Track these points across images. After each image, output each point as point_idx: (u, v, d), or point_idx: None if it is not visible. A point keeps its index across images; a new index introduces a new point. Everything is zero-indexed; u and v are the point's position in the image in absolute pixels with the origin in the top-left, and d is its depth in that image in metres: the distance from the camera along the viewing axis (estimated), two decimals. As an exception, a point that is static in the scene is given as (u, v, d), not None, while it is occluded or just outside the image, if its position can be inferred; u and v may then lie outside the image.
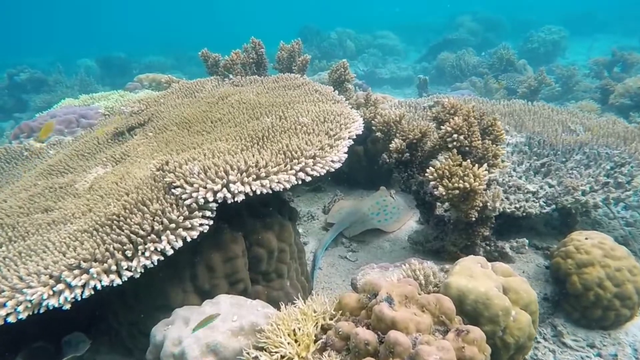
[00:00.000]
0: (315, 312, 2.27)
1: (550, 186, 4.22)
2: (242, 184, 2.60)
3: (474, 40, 17.73)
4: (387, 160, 4.07)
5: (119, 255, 2.37)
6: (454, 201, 3.19)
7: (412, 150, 3.86)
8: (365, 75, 15.61)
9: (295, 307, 2.39)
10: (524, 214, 3.86)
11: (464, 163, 3.09)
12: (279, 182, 2.69)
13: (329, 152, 3.02)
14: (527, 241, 3.80)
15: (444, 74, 14.07)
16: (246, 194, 2.62)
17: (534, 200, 4.03)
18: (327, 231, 4.65)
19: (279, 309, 2.87)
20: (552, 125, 5.05)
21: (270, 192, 2.66)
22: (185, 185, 2.58)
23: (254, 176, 2.64)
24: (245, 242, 2.98)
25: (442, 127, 3.40)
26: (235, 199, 2.57)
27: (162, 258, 2.43)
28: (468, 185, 2.97)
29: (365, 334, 2.00)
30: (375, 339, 2.01)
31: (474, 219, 3.38)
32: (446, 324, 2.17)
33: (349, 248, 4.45)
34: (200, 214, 2.55)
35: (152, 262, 2.39)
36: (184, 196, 2.54)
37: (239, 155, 2.85)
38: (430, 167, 3.23)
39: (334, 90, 4.34)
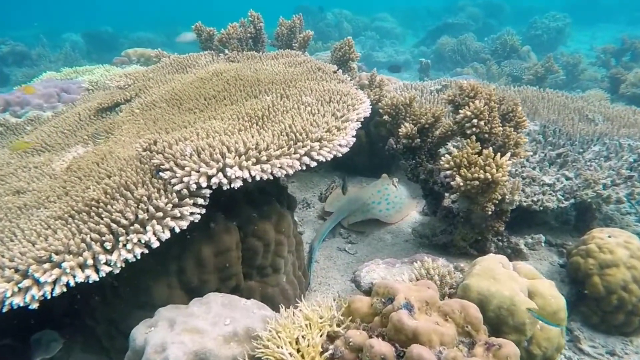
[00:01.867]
0: (321, 318, 1.98)
1: (568, 178, 3.95)
2: (241, 168, 2.28)
3: (474, 25, 17.33)
4: (395, 146, 3.77)
5: (96, 248, 2.06)
6: (471, 193, 2.90)
7: (423, 136, 3.56)
8: (362, 58, 15.15)
9: (297, 309, 2.10)
10: (541, 208, 3.59)
11: (485, 151, 2.80)
12: (281, 167, 2.38)
13: (336, 135, 2.71)
14: (543, 238, 3.53)
15: (444, 59, 13.71)
16: (244, 180, 2.30)
17: (550, 194, 3.76)
18: (324, 220, 4.36)
19: (274, 308, 2.60)
20: (567, 114, 4.76)
21: (271, 178, 2.35)
22: (175, 169, 2.25)
23: (254, 160, 2.32)
24: (240, 232, 2.67)
25: (460, 110, 3.10)
26: (232, 185, 2.26)
27: (146, 251, 2.11)
28: (489, 176, 2.68)
29: (382, 347, 1.71)
30: (393, 353, 1.72)
31: (490, 212, 3.11)
32: (472, 335, 1.89)
33: (347, 239, 4.16)
34: (192, 201, 2.23)
35: (135, 256, 2.08)
36: (173, 181, 2.22)
37: (236, 136, 2.53)
38: (446, 155, 2.93)
39: (338, 69, 4.01)
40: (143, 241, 2.10)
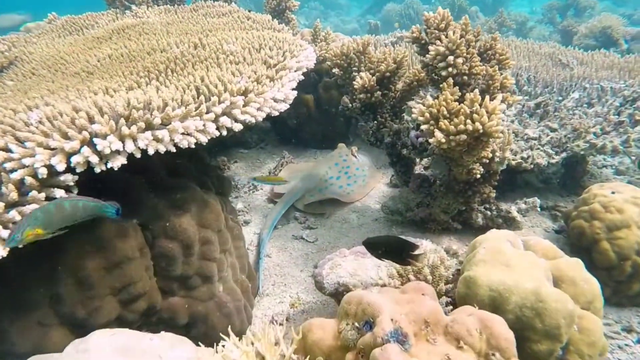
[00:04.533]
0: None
1: (553, 130, 3.34)
2: (121, 138, 1.48)
3: (419, -11, 16.71)
4: (349, 105, 3.03)
5: None
6: (455, 152, 2.20)
7: (383, 88, 2.83)
8: (307, 29, 14.33)
9: (227, 346, 1.35)
10: (532, 165, 2.96)
11: (469, 95, 2.10)
12: (187, 134, 1.60)
13: (268, 87, 1.94)
14: (539, 201, 2.91)
15: (392, 26, 13.02)
16: (131, 156, 1.51)
17: (538, 149, 3.14)
18: (274, 204, 3.59)
19: (209, 330, 1.88)
20: (539, 60, 4.17)
21: (173, 149, 1.56)
22: (11, 146, 1.42)
23: (142, 125, 1.52)
24: (146, 233, 1.88)
25: (429, 47, 2.38)
26: (111, 165, 1.46)
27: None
28: (480, 127, 1.99)
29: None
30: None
31: (478, 175, 2.43)
32: (500, 367, 1.20)
33: (304, 225, 3.42)
34: (43, 194, 1.41)
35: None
36: (7, 165, 1.38)
37: (119, 95, 1.71)
38: (419, 106, 2.21)
39: (272, 20, 3.22)
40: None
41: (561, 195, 3.62)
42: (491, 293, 1.59)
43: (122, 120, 1.48)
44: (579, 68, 4.09)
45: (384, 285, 1.78)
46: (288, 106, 2.01)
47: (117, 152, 1.47)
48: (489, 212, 2.90)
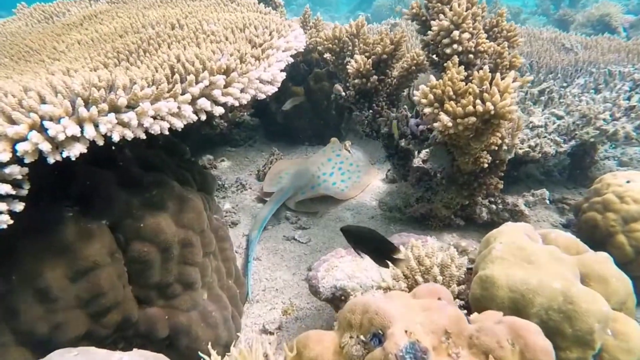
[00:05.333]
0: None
1: (559, 117, 3.16)
2: (79, 121, 1.25)
3: (408, -15, 16.56)
4: (343, 93, 2.82)
5: None
6: (461, 138, 1.99)
7: (380, 73, 2.62)
8: (295, 28, 14.09)
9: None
10: (540, 154, 2.77)
11: (479, 74, 1.89)
12: (159, 118, 1.37)
13: (254, 66, 1.72)
14: (547, 193, 2.71)
15: (384, 20, 12.84)
16: (98, 147, 1.29)
17: (545, 137, 2.94)
18: (263, 204, 3.37)
19: (192, 343, 1.67)
20: (542, 45, 3.98)
21: (142, 136, 1.34)
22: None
23: (105, 106, 1.29)
24: (117, 235, 1.65)
25: (432, 23, 2.17)
26: (67, 154, 1.23)
27: None
28: (491, 107, 1.78)
29: None
30: None
31: (486, 165, 2.23)
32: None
33: (296, 224, 3.20)
34: (-16, 191, 1.18)
35: None
36: (-63, 157, 1.15)
37: (79, 74, 1.48)
38: (422, 87, 2.00)
39: (259, 3, 2.99)
40: None
41: (567, 187, 3.43)
42: (512, 294, 1.39)
43: (80, 101, 1.25)
44: (583, 52, 3.90)
45: (387, 289, 1.57)
46: (276, 89, 1.80)
47: (75, 138, 1.24)
48: (494, 206, 2.70)
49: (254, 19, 2.32)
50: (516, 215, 2.66)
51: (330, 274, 1.90)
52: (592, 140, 2.94)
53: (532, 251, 1.46)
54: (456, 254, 1.66)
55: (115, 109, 1.31)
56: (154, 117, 1.35)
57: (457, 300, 1.49)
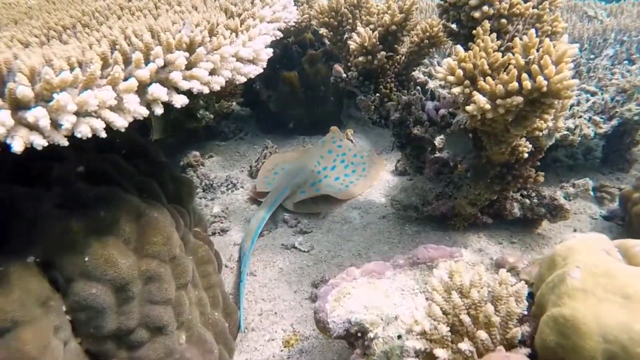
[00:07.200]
0: None
1: (592, 94, 2.73)
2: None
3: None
4: (343, 74, 2.38)
5: None
6: (499, 124, 1.57)
7: (387, 48, 2.18)
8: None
9: None
10: (580, 137, 2.35)
11: (523, 40, 1.46)
12: (93, 113, 0.94)
13: (228, 39, 1.28)
14: (591, 183, 2.29)
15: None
16: (28, 156, 0.86)
17: (580, 117, 2.52)
18: (258, 206, 2.95)
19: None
20: (563, 14, 3.54)
21: (65, 143, 0.91)
22: None
23: (8, 103, 0.86)
24: (53, 275, 1.23)
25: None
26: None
27: None
28: (544, 83, 1.35)
29: None
30: None
31: (526, 155, 1.81)
32: None
33: (296, 228, 2.78)
34: None
35: None
36: None
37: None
38: (447, 60, 1.57)
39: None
40: None
41: (602, 173, 3.02)
42: (607, 346, 0.97)
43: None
44: (608, 20, 3.47)
45: (423, 333, 1.15)
46: (260, 69, 1.36)
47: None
48: (527, 201, 2.28)
49: (231, -15, 1.88)
50: (554, 211, 2.24)
51: (342, 305, 1.48)
52: (636, 117, 2.51)
53: (626, 280, 1.05)
54: (509, 277, 1.25)
55: (16, 103, 0.88)
56: (77, 114, 0.91)
57: (523, 348, 1.08)
